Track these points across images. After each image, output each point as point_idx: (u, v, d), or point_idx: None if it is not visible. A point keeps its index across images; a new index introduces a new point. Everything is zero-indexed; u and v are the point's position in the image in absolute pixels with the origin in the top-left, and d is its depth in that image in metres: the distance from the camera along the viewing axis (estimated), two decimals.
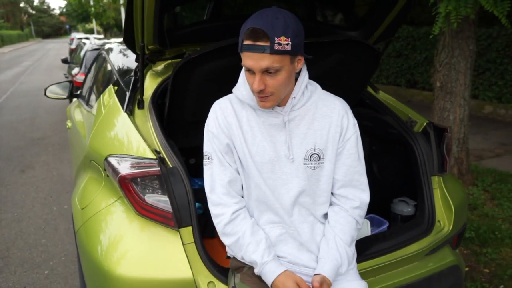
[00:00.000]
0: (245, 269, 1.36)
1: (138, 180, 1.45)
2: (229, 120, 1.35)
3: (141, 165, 1.47)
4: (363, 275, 1.60)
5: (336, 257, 1.32)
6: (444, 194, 1.91)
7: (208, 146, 1.37)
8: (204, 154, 1.38)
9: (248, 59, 1.19)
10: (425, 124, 2.02)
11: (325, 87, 1.46)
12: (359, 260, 1.60)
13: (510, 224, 3.33)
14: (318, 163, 1.35)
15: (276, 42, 1.14)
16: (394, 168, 2.22)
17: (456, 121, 3.94)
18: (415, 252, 1.73)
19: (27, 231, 3.61)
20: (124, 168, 1.48)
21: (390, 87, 9.42)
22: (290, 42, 1.15)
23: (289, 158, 1.33)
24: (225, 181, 1.34)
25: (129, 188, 1.44)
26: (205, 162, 1.38)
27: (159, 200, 1.43)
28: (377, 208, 2.21)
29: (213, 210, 1.36)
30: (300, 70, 1.31)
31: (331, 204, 1.43)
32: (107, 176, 1.65)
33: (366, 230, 1.86)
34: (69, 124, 3.31)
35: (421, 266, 1.75)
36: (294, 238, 1.36)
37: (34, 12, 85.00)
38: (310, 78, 1.40)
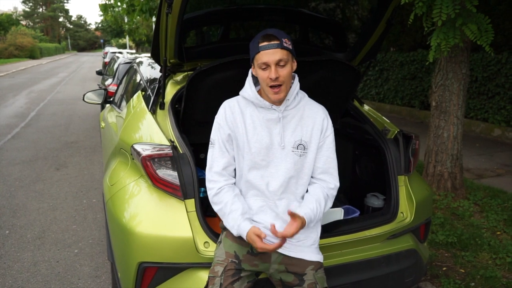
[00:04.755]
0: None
1: (155, 159, 1.89)
2: (235, 116, 1.74)
3: (158, 149, 1.93)
4: (330, 248, 1.99)
5: (312, 208, 1.67)
6: (408, 190, 2.28)
7: (214, 134, 1.77)
8: (210, 139, 1.79)
9: (265, 56, 1.60)
10: (396, 132, 2.40)
11: (313, 98, 1.87)
12: (328, 236, 1.98)
13: (492, 233, 3.60)
14: (303, 152, 1.74)
15: (283, 41, 1.61)
16: (370, 168, 2.59)
17: (450, 138, 4.24)
18: (377, 235, 2.09)
19: (60, 218, 4.11)
20: (146, 151, 1.93)
21: (405, 108, 9.68)
22: (290, 44, 1.62)
23: (281, 146, 1.72)
24: (220, 163, 1.75)
25: (148, 165, 1.89)
26: (210, 146, 1.78)
27: (169, 174, 1.87)
28: (355, 201, 2.59)
29: (207, 184, 1.76)
30: (294, 79, 1.75)
31: (311, 184, 1.80)
32: (133, 159, 2.11)
33: (340, 215, 2.24)
34: (102, 124, 3.84)
35: (382, 246, 2.11)
36: (272, 209, 1.74)
37: (71, 26, 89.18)
38: (301, 89, 1.82)
